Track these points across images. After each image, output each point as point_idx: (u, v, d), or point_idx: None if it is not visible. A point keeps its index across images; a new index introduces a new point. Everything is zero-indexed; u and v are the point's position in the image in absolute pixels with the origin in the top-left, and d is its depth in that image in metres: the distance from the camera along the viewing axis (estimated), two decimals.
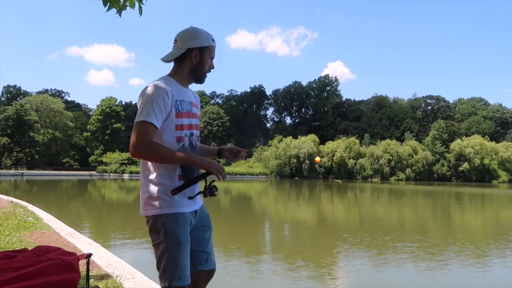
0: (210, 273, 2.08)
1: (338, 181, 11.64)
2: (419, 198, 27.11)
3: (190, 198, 1.90)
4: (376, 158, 63.60)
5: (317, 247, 8.58)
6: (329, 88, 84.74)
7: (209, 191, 1.89)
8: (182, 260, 1.82)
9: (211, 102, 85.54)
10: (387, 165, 63.39)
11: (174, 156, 1.81)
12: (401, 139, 70.70)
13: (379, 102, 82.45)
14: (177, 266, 1.80)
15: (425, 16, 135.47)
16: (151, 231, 1.86)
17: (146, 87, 1.86)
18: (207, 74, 2.06)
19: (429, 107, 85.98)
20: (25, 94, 75.85)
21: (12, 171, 54.49)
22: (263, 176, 62.02)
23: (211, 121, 72.91)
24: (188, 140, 1.97)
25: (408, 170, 64.56)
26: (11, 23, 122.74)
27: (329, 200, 23.75)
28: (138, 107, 1.86)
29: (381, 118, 75.93)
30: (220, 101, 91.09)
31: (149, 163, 1.88)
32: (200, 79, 2.05)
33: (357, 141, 68.17)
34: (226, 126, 79.05)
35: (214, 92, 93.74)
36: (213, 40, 2.02)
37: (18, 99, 71.68)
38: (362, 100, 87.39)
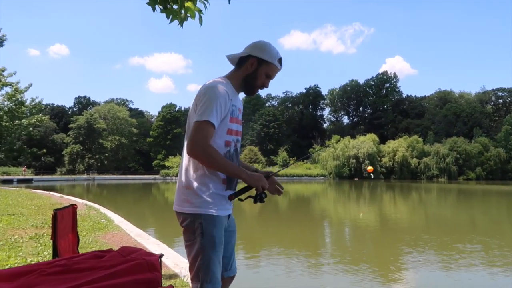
0: (232, 279, 2.05)
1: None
2: (492, 198, 25.22)
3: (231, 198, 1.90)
4: (442, 156, 60.07)
5: (380, 249, 8.29)
6: (388, 85, 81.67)
7: (259, 198, 1.91)
8: (215, 263, 1.79)
9: (267, 105, 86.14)
10: (454, 164, 59.70)
11: (227, 168, 1.82)
12: (469, 136, 66.14)
13: (443, 98, 77.90)
14: (210, 268, 1.76)
15: (490, 4, 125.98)
16: (186, 230, 1.82)
17: (209, 85, 1.87)
18: (259, 91, 2.05)
19: (501, 101, 79.70)
20: (94, 103, 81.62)
21: (85, 176, 58.71)
22: (321, 177, 61.19)
23: (267, 123, 73.39)
24: (234, 145, 1.98)
25: (478, 169, 60.30)
26: (82, 37, 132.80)
27: (392, 201, 22.86)
28: (197, 103, 1.85)
29: (446, 114, 71.54)
30: (276, 103, 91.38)
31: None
32: (249, 90, 2.03)
33: (420, 139, 64.91)
34: (282, 127, 79.18)
35: (270, 94, 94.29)
36: (279, 62, 1.99)
37: (88, 108, 77.33)
38: (425, 96, 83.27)
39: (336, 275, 6.11)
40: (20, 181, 41.42)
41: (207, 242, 1.77)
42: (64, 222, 2.01)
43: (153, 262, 1.21)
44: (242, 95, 2.11)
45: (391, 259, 7.29)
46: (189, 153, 1.80)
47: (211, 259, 1.77)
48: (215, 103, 1.80)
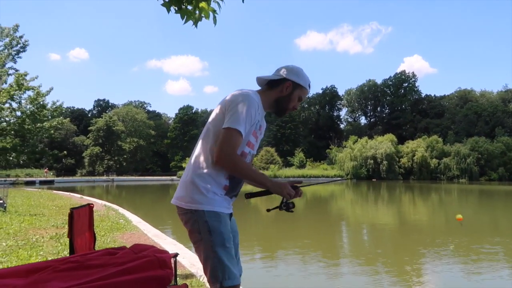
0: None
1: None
2: None
3: (234, 195, 1.96)
4: (462, 157, 58.67)
5: (398, 250, 8.15)
6: (406, 84, 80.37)
7: (286, 206, 1.93)
8: (229, 259, 1.76)
9: None
10: (475, 164, 58.26)
11: (253, 177, 1.88)
12: (491, 136, 64.46)
13: (464, 97, 76.17)
14: (225, 264, 1.72)
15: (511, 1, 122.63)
16: (192, 231, 1.80)
17: (243, 93, 1.88)
18: (289, 112, 2.09)
19: None
20: (113, 106, 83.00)
21: (104, 177, 59.74)
22: (338, 178, 60.66)
23: (283, 124, 73.24)
24: (249, 158, 2.00)
25: (501, 169, 58.66)
26: (100, 41, 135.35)
27: (411, 202, 22.49)
28: (227, 108, 1.85)
29: (467, 113, 69.91)
30: None
31: (204, 157, 1.87)
32: (280, 112, 2.07)
33: (440, 139, 63.61)
34: (299, 128, 78.92)
35: None
36: (309, 86, 2.06)
37: (107, 111, 78.71)
38: (444, 95, 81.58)
39: (352, 275, 6.03)
40: (42, 182, 42.42)
41: (216, 239, 1.75)
42: (81, 221, 2.04)
43: (164, 259, 1.21)
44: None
45: (406, 259, 7.16)
46: (216, 161, 1.80)
47: (224, 255, 1.74)
48: (247, 113, 1.82)
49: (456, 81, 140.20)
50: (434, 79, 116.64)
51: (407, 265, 6.83)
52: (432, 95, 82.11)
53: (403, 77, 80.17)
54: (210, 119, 1.97)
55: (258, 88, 2.07)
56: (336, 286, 5.49)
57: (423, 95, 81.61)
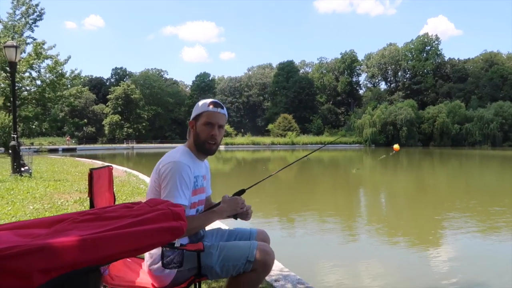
0: None
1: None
2: None
3: None
4: (485, 122, 57.18)
5: (418, 218, 8.17)
6: (428, 48, 77.52)
7: (234, 216, 2.03)
8: None
9: (301, 72, 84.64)
10: (499, 129, 56.85)
11: (205, 225, 1.96)
12: None
13: (490, 59, 73.12)
14: None
15: None
16: None
17: (170, 162, 1.84)
18: (215, 145, 1.97)
19: None
20: (130, 74, 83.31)
21: (124, 145, 61.00)
22: (356, 145, 60.31)
23: (300, 90, 72.36)
24: (200, 210, 2.03)
25: None
26: (115, 7, 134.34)
27: (431, 169, 22.29)
28: (161, 180, 1.84)
29: (492, 77, 67.39)
30: (310, 70, 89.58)
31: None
32: (205, 150, 1.98)
33: (463, 104, 62.00)
34: (317, 94, 77.96)
35: (304, 61, 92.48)
36: (213, 105, 1.94)
37: (124, 79, 79.15)
38: (468, 58, 78.56)
39: (369, 241, 6.11)
40: (65, 150, 43.65)
41: None
42: (100, 182, 2.10)
43: (178, 212, 1.26)
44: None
45: (429, 229, 7.18)
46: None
47: None
48: (180, 181, 1.80)
49: (482, 43, 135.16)
50: (459, 42, 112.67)
51: (427, 231, 6.86)
52: (456, 58, 79.34)
53: (425, 40, 77.25)
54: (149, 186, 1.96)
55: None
56: (353, 254, 5.56)
57: (446, 58, 78.85)
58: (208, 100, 1.98)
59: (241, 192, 2.08)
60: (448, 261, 4.88)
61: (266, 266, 1.84)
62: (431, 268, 4.62)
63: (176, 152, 1.94)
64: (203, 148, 1.97)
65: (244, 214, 2.04)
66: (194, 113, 1.99)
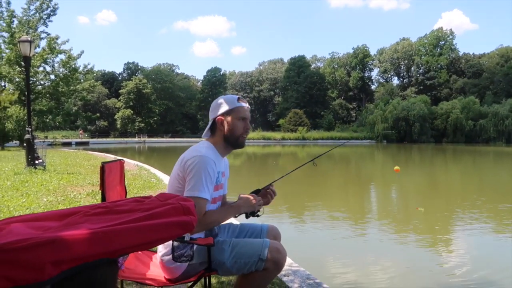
0: None
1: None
2: None
3: None
4: (500, 118, 56.06)
5: (428, 214, 8.09)
6: (442, 42, 76.27)
7: (251, 214, 2.11)
8: None
9: (312, 66, 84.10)
10: None
11: (224, 220, 2.00)
12: None
13: (506, 54, 71.54)
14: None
15: None
16: None
17: (196, 156, 1.87)
18: (246, 136, 2.03)
19: None
20: (142, 69, 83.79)
21: (136, 139, 61.51)
22: (368, 140, 59.82)
23: (312, 85, 71.97)
24: (219, 204, 2.08)
25: None
26: (127, 2, 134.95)
27: (443, 165, 22.01)
28: (186, 172, 1.87)
29: (508, 72, 65.95)
30: (321, 65, 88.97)
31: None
32: (236, 144, 2.03)
33: (477, 100, 60.93)
34: (328, 90, 77.48)
35: (315, 55, 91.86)
36: (239, 100, 2.00)
37: (136, 74, 79.69)
38: (484, 53, 77.14)
39: (379, 236, 6.07)
40: (78, 143, 44.21)
41: None
42: (112, 175, 2.12)
43: (188, 207, 1.27)
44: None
45: (438, 225, 7.10)
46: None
47: None
48: (205, 175, 1.84)
49: (498, 38, 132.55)
50: (474, 36, 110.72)
51: (437, 229, 6.79)
52: (471, 53, 78.01)
53: (439, 34, 76.02)
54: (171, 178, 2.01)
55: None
56: (362, 249, 5.53)
57: (460, 53, 77.56)
58: (235, 96, 2.03)
59: (257, 191, 2.17)
60: (457, 257, 4.82)
61: (277, 264, 1.85)
62: (440, 264, 4.57)
63: (201, 147, 1.97)
64: (237, 142, 2.01)
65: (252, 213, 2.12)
66: (221, 109, 1.99)
